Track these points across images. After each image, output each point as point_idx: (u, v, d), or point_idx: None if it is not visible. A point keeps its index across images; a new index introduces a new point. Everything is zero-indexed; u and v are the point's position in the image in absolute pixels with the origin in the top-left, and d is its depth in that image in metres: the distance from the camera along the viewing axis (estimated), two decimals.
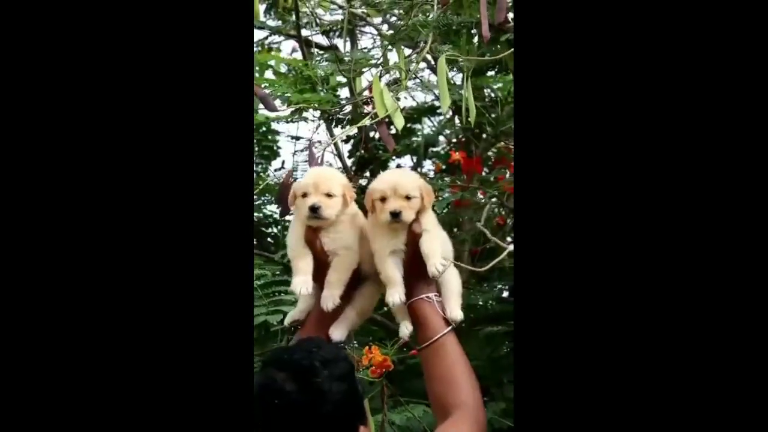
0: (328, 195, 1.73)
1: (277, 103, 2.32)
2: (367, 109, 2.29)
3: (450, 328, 1.71)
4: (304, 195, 1.74)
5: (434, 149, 3.12)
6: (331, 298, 1.74)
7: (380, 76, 2.01)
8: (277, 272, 2.61)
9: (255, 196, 2.84)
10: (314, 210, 1.71)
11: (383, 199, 1.71)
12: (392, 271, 1.74)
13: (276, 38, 3.14)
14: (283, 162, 2.94)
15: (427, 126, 3.17)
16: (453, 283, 1.77)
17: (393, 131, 2.17)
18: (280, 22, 3.08)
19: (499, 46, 2.28)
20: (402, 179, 1.74)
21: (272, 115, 2.46)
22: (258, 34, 3.04)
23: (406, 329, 1.79)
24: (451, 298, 1.76)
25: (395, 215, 1.69)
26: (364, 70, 2.48)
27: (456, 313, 1.73)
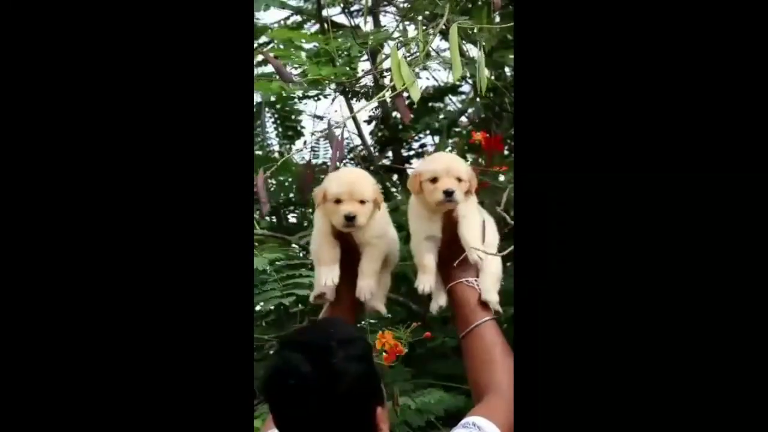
0: (362, 202, 1.74)
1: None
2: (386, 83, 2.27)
3: (491, 316, 1.71)
4: (338, 201, 1.74)
5: (456, 129, 3.10)
6: (368, 288, 1.77)
7: (398, 48, 1.99)
8: (294, 254, 2.60)
9: (274, 179, 2.84)
10: (350, 219, 1.72)
11: (434, 180, 1.72)
12: (426, 258, 1.76)
13: (298, 18, 3.15)
14: (305, 142, 2.94)
15: (450, 106, 3.16)
16: (492, 265, 1.76)
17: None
18: (302, 2, 3.09)
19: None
20: (455, 161, 1.77)
21: (288, 86, 2.46)
22: (280, 14, 3.06)
23: (436, 305, 1.79)
24: (487, 280, 1.75)
25: (449, 194, 1.71)
26: (382, 44, 2.46)
27: (491, 295, 1.72)
